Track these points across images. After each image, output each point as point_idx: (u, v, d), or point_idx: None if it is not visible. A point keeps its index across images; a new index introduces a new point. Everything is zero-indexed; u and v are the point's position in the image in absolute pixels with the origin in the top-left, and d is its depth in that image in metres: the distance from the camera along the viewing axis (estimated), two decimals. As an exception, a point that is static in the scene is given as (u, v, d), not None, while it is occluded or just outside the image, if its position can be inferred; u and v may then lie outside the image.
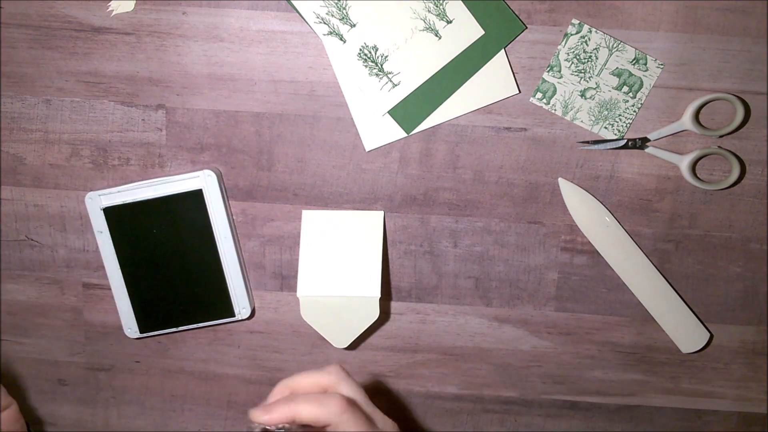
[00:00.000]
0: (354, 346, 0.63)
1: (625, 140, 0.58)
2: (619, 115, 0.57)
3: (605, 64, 0.57)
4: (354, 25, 0.56)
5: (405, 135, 0.58)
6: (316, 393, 0.45)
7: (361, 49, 0.57)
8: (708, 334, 0.61)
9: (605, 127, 0.58)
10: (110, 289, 0.61)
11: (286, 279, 0.62)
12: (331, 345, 0.63)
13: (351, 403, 0.45)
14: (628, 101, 0.57)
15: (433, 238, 0.61)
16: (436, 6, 0.56)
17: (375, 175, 0.60)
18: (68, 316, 0.64)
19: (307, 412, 0.44)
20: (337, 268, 0.60)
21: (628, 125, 0.58)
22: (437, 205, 0.60)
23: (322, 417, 0.44)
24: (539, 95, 0.57)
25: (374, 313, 0.59)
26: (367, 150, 0.59)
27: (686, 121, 0.57)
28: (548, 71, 0.57)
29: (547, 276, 0.61)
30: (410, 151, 0.59)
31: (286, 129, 0.59)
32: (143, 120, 0.60)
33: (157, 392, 0.65)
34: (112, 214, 0.59)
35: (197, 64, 0.58)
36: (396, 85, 0.57)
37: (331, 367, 0.47)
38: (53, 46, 0.58)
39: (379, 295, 0.59)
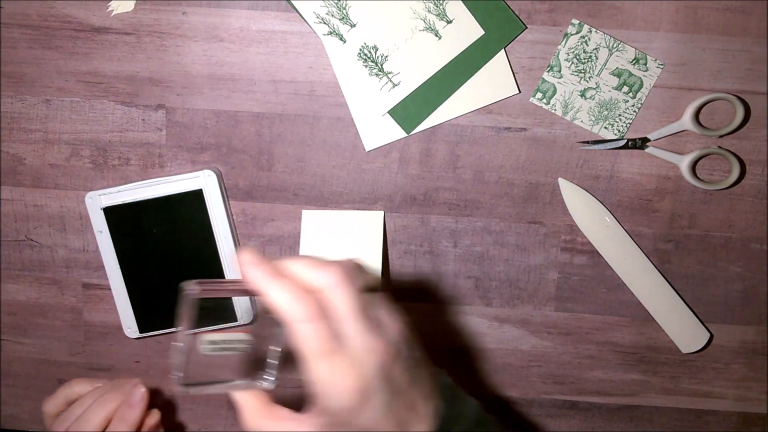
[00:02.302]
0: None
1: (625, 140, 0.58)
2: (619, 115, 0.57)
3: (605, 64, 0.57)
4: (354, 25, 0.56)
5: (405, 135, 0.58)
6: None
7: (361, 49, 0.57)
8: (708, 334, 0.61)
9: (605, 127, 0.58)
10: (110, 289, 0.61)
11: (286, 279, 0.62)
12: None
13: (351, 277, 0.40)
14: (628, 101, 0.57)
15: (433, 238, 0.61)
16: (436, 6, 0.56)
17: (375, 175, 0.60)
18: (68, 316, 0.64)
19: (301, 271, 0.40)
20: None
21: (628, 125, 0.58)
22: (437, 205, 0.60)
23: (313, 278, 0.39)
24: (539, 95, 0.57)
25: None
26: (367, 150, 0.59)
27: (686, 121, 0.57)
28: (548, 71, 0.57)
29: (547, 276, 0.61)
30: (410, 151, 0.59)
31: (286, 129, 0.59)
32: (143, 120, 0.60)
33: (157, 392, 0.65)
34: (112, 214, 0.59)
35: (197, 64, 0.58)
36: (396, 85, 0.57)
37: (334, 267, 0.40)
38: (53, 46, 0.58)
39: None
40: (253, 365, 0.44)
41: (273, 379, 0.44)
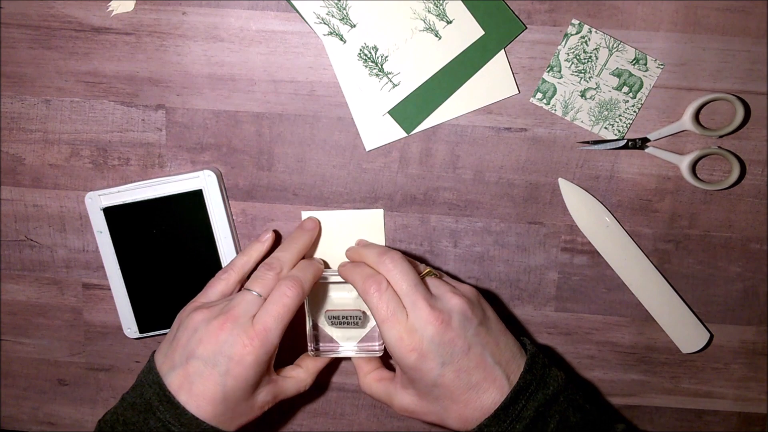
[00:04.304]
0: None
1: (625, 140, 0.58)
2: (619, 115, 0.57)
3: (605, 65, 0.57)
4: (354, 26, 0.56)
5: (405, 135, 0.58)
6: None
7: (361, 49, 0.57)
8: (708, 334, 0.61)
9: (605, 128, 0.58)
10: (110, 289, 0.61)
11: (286, 279, 0.62)
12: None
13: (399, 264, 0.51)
14: (628, 101, 0.57)
15: (433, 237, 0.61)
16: (436, 6, 0.56)
17: (375, 175, 0.60)
18: (68, 316, 0.64)
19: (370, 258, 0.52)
20: None
21: (628, 125, 0.58)
22: (437, 204, 0.60)
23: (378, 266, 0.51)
24: (539, 95, 0.57)
25: None
26: (367, 150, 0.59)
27: (686, 121, 0.57)
28: (548, 71, 0.57)
29: (547, 276, 0.61)
30: (410, 151, 0.59)
31: (286, 129, 0.59)
32: (143, 120, 0.60)
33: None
34: (112, 214, 0.59)
35: (197, 64, 0.58)
36: (396, 85, 0.57)
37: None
38: (53, 46, 0.58)
39: None
40: (369, 336, 0.57)
41: (380, 346, 0.56)
